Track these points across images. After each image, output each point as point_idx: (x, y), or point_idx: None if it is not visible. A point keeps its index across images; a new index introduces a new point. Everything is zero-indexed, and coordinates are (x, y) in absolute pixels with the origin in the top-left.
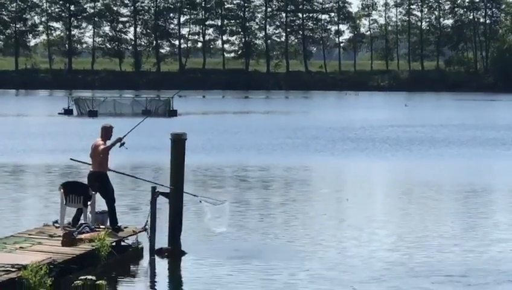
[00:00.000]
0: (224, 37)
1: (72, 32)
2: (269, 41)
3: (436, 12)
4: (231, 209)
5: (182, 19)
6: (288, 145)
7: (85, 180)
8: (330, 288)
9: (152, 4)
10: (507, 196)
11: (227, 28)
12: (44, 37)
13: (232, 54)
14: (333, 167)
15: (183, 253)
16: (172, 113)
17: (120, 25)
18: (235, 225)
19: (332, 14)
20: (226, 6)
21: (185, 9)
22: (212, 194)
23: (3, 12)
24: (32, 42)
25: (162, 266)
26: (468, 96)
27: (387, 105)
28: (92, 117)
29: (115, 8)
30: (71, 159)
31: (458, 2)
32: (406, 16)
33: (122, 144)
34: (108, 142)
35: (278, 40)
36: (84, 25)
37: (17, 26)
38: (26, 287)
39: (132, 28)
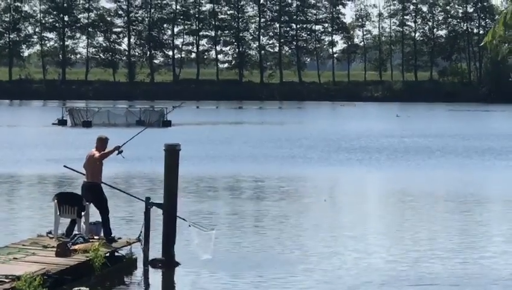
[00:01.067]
0: (218, 48)
1: (66, 43)
2: (263, 51)
3: (430, 23)
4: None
5: (176, 30)
6: (282, 156)
7: (79, 191)
8: None
9: (146, 15)
10: (502, 205)
11: (221, 38)
12: (38, 47)
13: (226, 65)
14: (328, 177)
15: (177, 264)
16: (167, 124)
17: (114, 36)
18: (229, 235)
19: (326, 25)
20: (219, 17)
21: (179, 20)
22: (205, 204)
23: None
24: (26, 52)
25: (156, 277)
26: (462, 107)
27: (381, 116)
28: (86, 127)
29: (109, 19)
30: (64, 166)
31: (452, 12)
32: (399, 27)
33: (120, 152)
34: (105, 151)
35: (272, 50)
36: (78, 35)
37: (11, 36)
38: None
39: (126, 39)
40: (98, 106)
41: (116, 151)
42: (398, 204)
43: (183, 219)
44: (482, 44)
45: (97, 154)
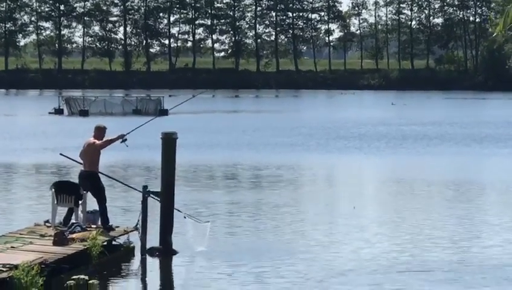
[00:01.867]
0: (214, 37)
1: (62, 32)
2: (259, 40)
3: (426, 11)
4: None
5: (172, 19)
6: (280, 144)
7: (76, 180)
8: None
9: (142, 4)
10: (501, 193)
11: (217, 27)
12: (34, 36)
13: (222, 53)
14: (326, 165)
15: (175, 252)
16: (163, 113)
17: (110, 25)
18: (227, 224)
19: (322, 13)
20: (215, 6)
21: (175, 9)
22: (203, 193)
23: None
24: (22, 42)
25: (154, 265)
26: (459, 95)
27: (378, 104)
28: (83, 116)
29: (105, 8)
30: (61, 154)
31: (448, 0)
32: (395, 15)
33: (124, 140)
34: (109, 138)
35: (268, 39)
36: (74, 24)
37: (7, 26)
38: (17, 287)
39: (122, 28)
40: (94, 95)
41: (120, 140)
42: (397, 192)
43: (179, 210)
44: (494, 35)
45: (98, 142)
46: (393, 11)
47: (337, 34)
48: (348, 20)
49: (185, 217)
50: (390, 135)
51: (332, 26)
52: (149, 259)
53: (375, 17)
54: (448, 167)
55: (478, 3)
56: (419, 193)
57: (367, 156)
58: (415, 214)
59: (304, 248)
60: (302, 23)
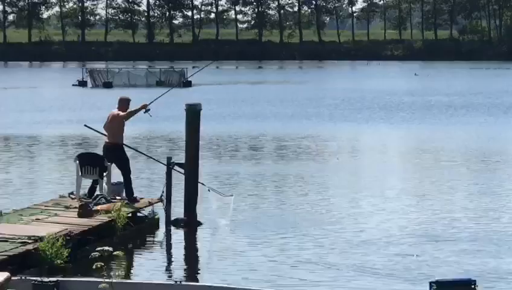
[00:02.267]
0: (238, 8)
1: (85, 4)
2: (282, 11)
3: None
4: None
5: None
6: (303, 115)
7: (100, 152)
8: (349, 261)
9: None
10: None
11: None
12: (57, 9)
13: (245, 25)
14: (351, 136)
15: (199, 224)
16: (187, 84)
17: None
18: (251, 195)
19: None
20: None
21: None
22: (227, 164)
23: None
24: (45, 14)
25: (178, 236)
26: (482, 65)
27: (401, 74)
28: (107, 88)
29: None
30: (85, 125)
31: None
32: None
33: (147, 111)
34: (132, 109)
35: (291, 10)
36: None
37: None
38: (42, 259)
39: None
40: (118, 67)
41: (143, 110)
42: (424, 162)
43: (202, 184)
44: None
45: (122, 113)
46: None
47: (360, 4)
48: None
49: (208, 190)
50: (415, 106)
51: None
52: (173, 230)
53: None
54: (475, 137)
55: None
56: (446, 163)
57: (393, 126)
58: (441, 185)
59: (329, 219)
60: None
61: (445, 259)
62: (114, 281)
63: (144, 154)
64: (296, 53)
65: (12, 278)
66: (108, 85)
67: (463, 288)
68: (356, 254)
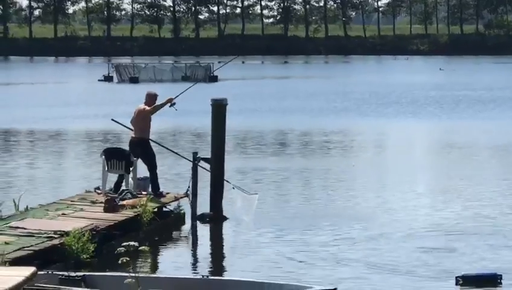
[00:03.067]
0: (263, 3)
1: None
2: (308, 6)
3: None
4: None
5: None
6: (330, 109)
7: (126, 147)
8: (375, 257)
9: None
10: None
11: None
12: (83, 4)
13: (271, 20)
14: (378, 130)
15: (225, 218)
16: (213, 79)
17: None
18: (277, 191)
19: None
20: None
21: None
22: (253, 159)
23: None
24: (71, 9)
25: (204, 231)
26: (509, 60)
27: (426, 69)
28: (133, 83)
29: None
30: (112, 119)
31: None
32: None
33: (173, 105)
34: (158, 103)
35: (317, 5)
36: None
37: None
38: (68, 254)
39: None
40: (144, 62)
41: (169, 104)
42: (454, 157)
43: (227, 181)
44: None
45: (147, 108)
46: None
47: None
48: None
49: (233, 188)
50: (443, 100)
51: None
52: (199, 225)
53: None
54: (504, 132)
55: None
56: (476, 157)
57: (421, 121)
58: (470, 179)
59: (355, 214)
60: None
61: (471, 254)
62: (140, 275)
63: (170, 149)
64: (321, 48)
65: (39, 272)
66: (134, 80)
67: (489, 283)
68: (383, 250)
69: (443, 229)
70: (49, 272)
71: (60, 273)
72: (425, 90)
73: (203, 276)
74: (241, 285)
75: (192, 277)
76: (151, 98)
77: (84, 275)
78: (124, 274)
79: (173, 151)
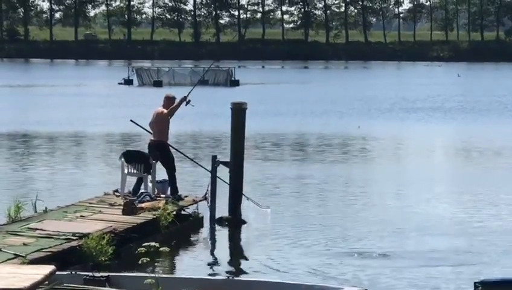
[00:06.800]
0: (284, 8)
1: (132, 3)
2: (328, 11)
3: None
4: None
5: None
6: (348, 114)
7: (145, 149)
8: (392, 260)
9: None
10: None
11: None
12: (103, 7)
13: (292, 25)
14: (400, 136)
15: (244, 222)
16: (234, 83)
17: None
18: (296, 195)
19: None
20: None
21: None
22: (272, 163)
23: None
24: (92, 13)
25: (222, 235)
26: None
27: (444, 75)
28: (157, 87)
29: None
30: (131, 121)
31: None
32: None
33: (188, 102)
34: (173, 105)
35: (338, 10)
36: None
37: None
38: (87, 256)
39: None
40: (164, 66)
41: (184, 102)
42: (476, 161)
43: (243, 194)
44: None
45: (165, 110)
46: None
47: (406, 5)
48: None
49: (247, 199)
50: (465, 106)
51: None
52: (218, 229)
53: None
54: None
55: None
56: (502, 162)
57: (444, 126)
58: (493, 184)
59: (376, 219)
60: None
61: (491, 259)
62: (162, 276)
63: (186, 156)
64: (341, 53)
65: (63, 273)
66: (158, 84)
67: (510, 288)
68: (402, 257)
69: (464, 232)
70: (74, 273)
71: (85, 273)
72: (446, 96)
73: (228, 277)
74: (269, 286)
75: (218, 277)
76: (169, 101)
77: (109, 275)
78: (148, 275)
79: (189, 158)
